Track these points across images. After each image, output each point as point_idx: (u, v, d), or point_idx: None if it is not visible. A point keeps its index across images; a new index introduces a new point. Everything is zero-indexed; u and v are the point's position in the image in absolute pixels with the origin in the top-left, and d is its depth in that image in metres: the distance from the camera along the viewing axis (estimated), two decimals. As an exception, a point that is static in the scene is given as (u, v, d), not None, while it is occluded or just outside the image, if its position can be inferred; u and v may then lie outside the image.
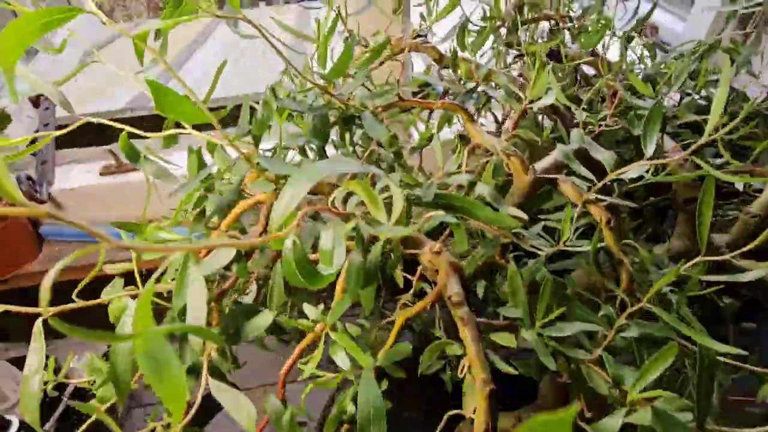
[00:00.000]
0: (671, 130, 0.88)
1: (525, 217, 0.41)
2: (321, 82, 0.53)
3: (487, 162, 0.49)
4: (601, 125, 0.64)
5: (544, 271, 0.42)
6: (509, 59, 1.00)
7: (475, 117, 0.80)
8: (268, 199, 0.45)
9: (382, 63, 0.75)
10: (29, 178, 1.27)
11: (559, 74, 0.86)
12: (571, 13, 1.00)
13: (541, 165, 0.52)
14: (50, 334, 0.50)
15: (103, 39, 2.65)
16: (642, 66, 0.96)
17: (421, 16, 0.70)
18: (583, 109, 0.69)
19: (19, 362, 1.54)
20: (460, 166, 0.45)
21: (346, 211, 0.34)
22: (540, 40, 1.04)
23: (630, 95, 0.64)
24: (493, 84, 0.68)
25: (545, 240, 0.48)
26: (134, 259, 0.48)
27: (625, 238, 0.72)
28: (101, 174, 1.37)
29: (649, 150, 0.43)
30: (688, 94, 1.06)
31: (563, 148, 0.54)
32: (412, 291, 0.63)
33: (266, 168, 0.42)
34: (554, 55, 0.91)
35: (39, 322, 0.38)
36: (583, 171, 0.52)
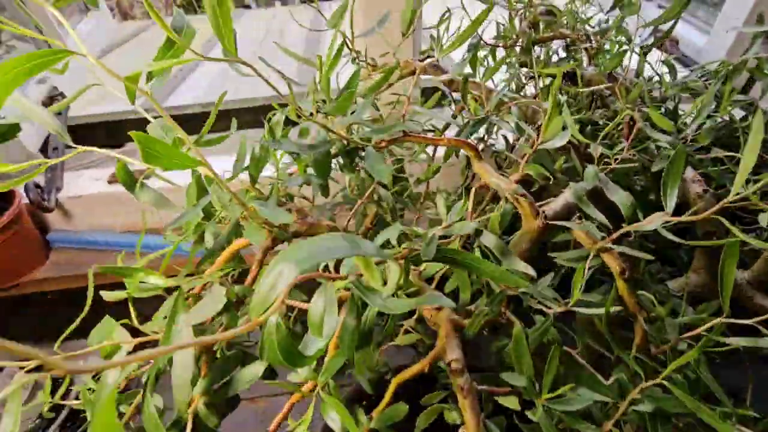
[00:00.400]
0: (690, 152, 0.84)
1: (533, 273, 0.39)
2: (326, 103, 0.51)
3: (493, 203, 0.46)
4: (617, 158, 0.61)
5: (553, 332, 0.39)
6: (524, 76, 0.97)
7: (485, 138, 0.77)
8: (262, 247, 0.43)
9: (390, 85, 0.72)
10: (37, 185, 1.27)
11: (575, 96, 0.83)
12: (588, 29, 0.96)
13: (552, 208, 0.49)
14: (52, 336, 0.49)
15: (119, 37, 2.68)
16: (661, 86, 0.92)
17: (432, 37, 0.67)
18: (598, 138, 0.66)
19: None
20: (465, 216, 0.42)
21: (339, 275, 0.32)
22: (556, 57, 1.01)
23: (649, 127, 0.61)
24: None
25: (555, 291, 0.45)
26: (129, 298, 0.46)
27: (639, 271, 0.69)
28: (109, 182, 1.37)
29: (670, 203, 0.40)
30: (709, 116, 1.02)
31: (576, 188, 0.51)
32: (415, 316, 0.61)
33: (260, 213, 0.40)
34: (569, 77, 0.87)
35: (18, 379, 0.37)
36: (598, 216, 0.49)
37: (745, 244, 0.87)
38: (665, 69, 1.06)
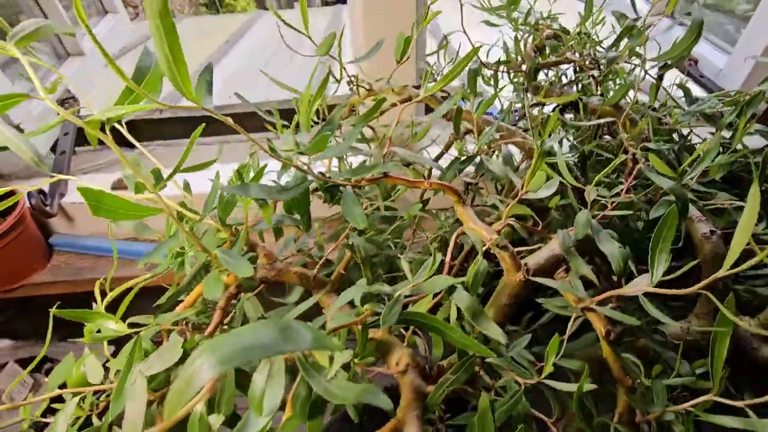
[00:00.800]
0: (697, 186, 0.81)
1: (504, 341, 0.36)
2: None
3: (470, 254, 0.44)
4: (614, 201, 0.58)
5: (524, 404, 0.37)
6: (528, 100, 0.94)
7: (476, 178, 0.74)
8: (226, 294, 0.42)
9: (382, 113, 0.70)
10: (40, 191, 1.29)
11: (578, 128, 0.80)
12: (599, 51, 0.93)
13: (535, 260, 0.46)
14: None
15: (136, 38, 2.72)
16: (670, 116, 0.88)
17: (427, 64, 0.65)
18: (600, 171, 0.63)
19: (26, 363, 1.57)
20: (439, 269, 0.40)
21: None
22: (565, 78, 0.98)
23: (650, 168, 0.57)
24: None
25: (530, 357, 0.42)
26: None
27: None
28: (113, 188, 1.38)
29: (657, 272, 0.37)
30: (722, 146, 0.97)
31: (564, 238, 0.48)
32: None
33: (222, 263, 0.38)
34: (575, 105, 0.84)
35: None
36: (585, 270, 0.46)
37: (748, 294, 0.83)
38: (680, 93, 1.02)
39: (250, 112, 2.07)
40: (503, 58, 0.90)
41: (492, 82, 0.88)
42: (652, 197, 0.69)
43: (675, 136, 0.94)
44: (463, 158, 0.54)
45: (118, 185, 1.38)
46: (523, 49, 0.91)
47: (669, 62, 0.83)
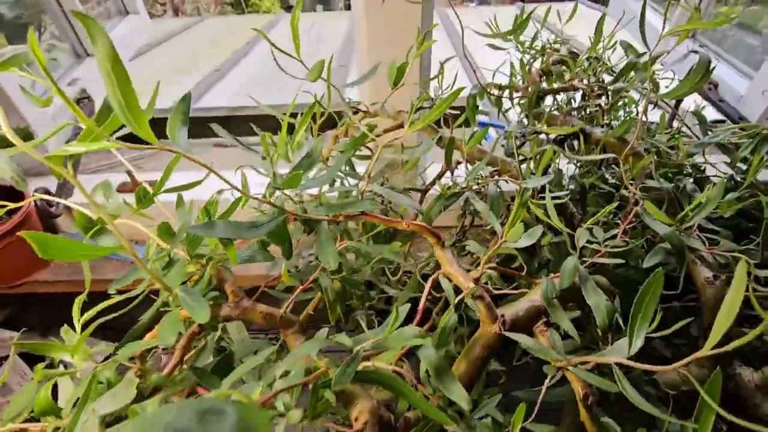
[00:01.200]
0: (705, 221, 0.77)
1: (467, 407, 0.34)
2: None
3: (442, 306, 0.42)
4: (607, 244, 0.55)
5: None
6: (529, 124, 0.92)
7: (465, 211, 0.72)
8: (187, 333, 0.40)
9: (378, 136, 0.69)
10: (46, 191, 1.31)
11: (578, 157, 0.77)
12: (608, 77, 0.90)
13: (514, 311, 0.44)
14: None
15: (154, 39, 2.76)
16: (677, 149, 0.85)
17: (423, 88, 0.63)
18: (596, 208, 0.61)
19: (29, 356, 1.60)
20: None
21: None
22: (574, 102, 0.95)
23: (648, 216, 0.54)
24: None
25: (500, 417, 0.40)
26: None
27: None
28: (117, 191, 1.39)
29: (635, 344, 0.35)
30: (734, 180, 0.94)
31: (546, 288, 0.46)
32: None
33: (183, 303, 0.37)
34: (582, 134, 0.81)
35: None
36: (567, 325, 0.43)
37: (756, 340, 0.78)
38: (695, 120, 0.98)
39: (266, 114, 2.09)
40: (511, 80, 0.88)
41: (495, 106, 0.86)
42: (652, 237, 0.66)
43: (689, 163, 0.91)
44: (448, 194, 0.52)
45: (124, 188, 1.40)
46: (528, 73, 0.88)
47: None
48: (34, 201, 1.25)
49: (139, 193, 0.51)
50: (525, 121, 0.84)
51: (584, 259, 0.51)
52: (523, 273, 0.50)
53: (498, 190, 0.54)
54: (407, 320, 0.40)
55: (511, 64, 0.93)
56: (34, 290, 1.35)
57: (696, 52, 0.57)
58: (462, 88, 0.43)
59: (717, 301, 0.68)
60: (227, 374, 0.44)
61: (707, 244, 0.75)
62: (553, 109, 0.94)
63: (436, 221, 0.82)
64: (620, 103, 0.88)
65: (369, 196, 0.46)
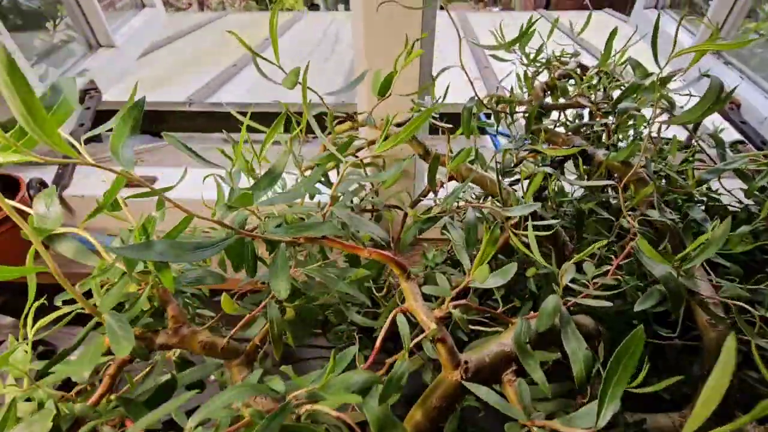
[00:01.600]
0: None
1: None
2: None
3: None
4: (597, 281, 0.50)
5: None
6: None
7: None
8: (117, 360, 0.37)
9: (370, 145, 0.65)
10: (42, 183, 1.30)
11: (574, 182, 0.72)
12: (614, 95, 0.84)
13: (480, 356, 0.40)
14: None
15: (175, 32, 2.78)
16: (684, 176, 0.79)
17: (421, 96, 0.59)
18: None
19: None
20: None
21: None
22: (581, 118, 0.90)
23: (644, 256, 0.49)
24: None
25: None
26: None
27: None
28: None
29: (604, 415, 0.30)
30: (748, 211, 0.87)
31: (522, 331, 0.41)
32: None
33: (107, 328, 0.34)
34: (583, 155, 0.76)
35: None
36: (539, 376, 0.39)
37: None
38: (711, 142, 0.92)
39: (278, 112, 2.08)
40: (512, 94, 0.83)
41: (495, 120, 0.81)
42: (642, 288, 0.60)
43: (698, 191, 0.85)
44: (423, 219, 0.48)
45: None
46: (532, 87, 0.83)
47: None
48: (28, 191, 1.25)
49: (106, 198, 0.48)
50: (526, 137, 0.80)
51: (569, 298, 0.47)
52: (499, 310, 0.45)
53: (478, 216, 0.49)
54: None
55: (518, 75, 0.88)
56: (26, 280, 1.34)
57: (708, 75, 0.52)
58: (436, 107, 0.39)
59: (720, 346, 0.63)
60: (166, 399, 0.40)
61: (713, 280, 0.70)
62: (557, 125, 0.89)
63: (427, 234, 0.78)
64: (630, 122, 0.82)
65: (332, 219, 0.42)
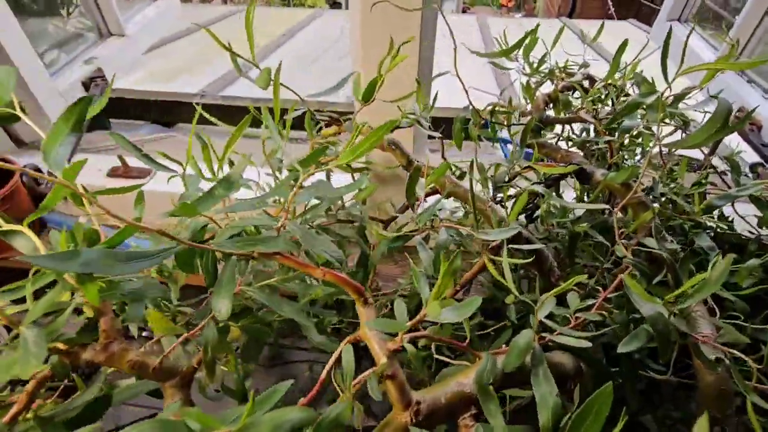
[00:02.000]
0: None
1: None
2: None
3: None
4: (579, 317, 0.46)
5: None
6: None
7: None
8: (36, 378, 0.34)
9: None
10: (36, 168, 1.30)
11: (566, 203, 0.67)
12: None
13: (434, 396, 0.36)
14: None
15: (183, 24, 2.78)
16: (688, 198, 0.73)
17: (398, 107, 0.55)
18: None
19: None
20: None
21: None
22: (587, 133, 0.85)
23: (635, 297, 0.44)
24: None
25: None
26: None
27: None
28: (108, 175, 1.37)
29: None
30: (759, 242, 0.82)
31: (485, 371, 0.37)
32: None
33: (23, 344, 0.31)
34: (581, 174, 0.71)
35: None
36: (499, 424, 0.35)
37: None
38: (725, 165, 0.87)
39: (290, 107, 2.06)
40: (510, 105, 0.79)
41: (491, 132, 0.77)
42: (630, 323, 0.55)
43: (705, 219, 0.79)
44: (393, 237, 0.45)
45: (114, 173, 1.38)
46: (534, 98, 0.79)
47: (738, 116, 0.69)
48: (21, 177, 1.25)
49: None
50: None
51: (545, 334, 0.42)
52: (466, 342, 0.41)
53: (451, 237, 0.45)
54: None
55: (522, 85, 0.84)
56: (21, 265, 1.33)
57: (715, 97, 0.47)
58: (395, 121, 0.36)
59: (716, 391, 0.58)
60: (96, 418, 0.38)
61: (717, 315, 0.65)
62: (560, 140, 0.84)
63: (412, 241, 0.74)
64: (639, 140, 0.77)
65: (287, 234, 0.39)
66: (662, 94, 0.50)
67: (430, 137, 1.25)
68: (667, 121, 0.75)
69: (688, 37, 0.49)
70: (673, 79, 0.49)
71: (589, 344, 0.40)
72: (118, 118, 1.99)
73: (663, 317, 0.42)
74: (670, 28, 0.54)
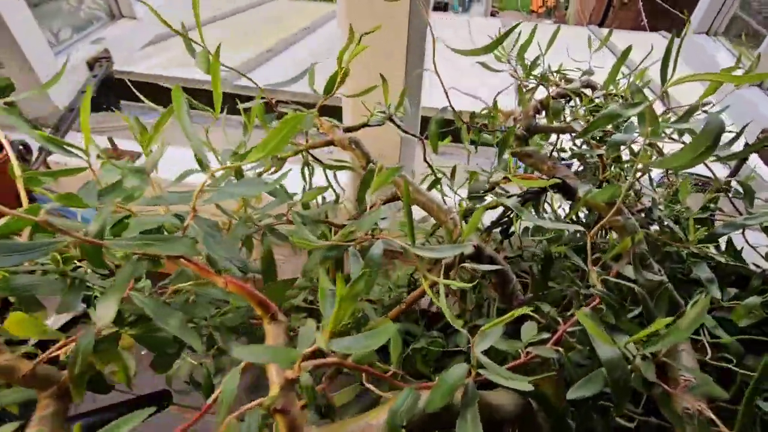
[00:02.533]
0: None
1: None
2: None
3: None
4: (530, 352, 0.40)
5: None
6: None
7: None
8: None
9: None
10: (23, 144, 1.29)
11: (539, 221, 0.61)
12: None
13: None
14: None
15: (220, 12, 2.78)
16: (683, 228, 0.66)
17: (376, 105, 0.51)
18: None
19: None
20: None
21: None
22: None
23: (591, 336, 0.38)
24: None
25: None
26: None
27: None
28: (98, 157, 1.35)
29: None
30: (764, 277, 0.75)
31: (399, 410, 0.32)
32: None
33: None
34: (564, 189, 0.65)
35: None
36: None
37: None
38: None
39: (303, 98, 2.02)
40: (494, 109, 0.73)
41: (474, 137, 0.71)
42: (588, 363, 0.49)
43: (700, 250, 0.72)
44: (326, 246, 0.40)
45: (104, 154, 1.35)
46: (526, 104, 0.73)
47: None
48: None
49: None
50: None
51: (481, 370, 0.37)
52: (392, 370, 0.36)
53: (390, 250, 0.40)
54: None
55: (518, 89, 0.78)
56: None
57: (706, 112, 0.41)
58: (301, 116, 0.31)
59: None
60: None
61: (708, 355, 0.59)
62: (553, 151, 0.78)
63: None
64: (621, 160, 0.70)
65: (192, 236, 0.34)
66: (649, 105, 0.44)
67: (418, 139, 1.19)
68: (675, 136, 0.68)
69: (678, 47, 0.43)
70: (662, 91, 0.43)
71: (531, 387, 0.35)
72: (127, 99, 1.99)
73: (622, 363, 0.36)
74: (672, 36, 0.48)
